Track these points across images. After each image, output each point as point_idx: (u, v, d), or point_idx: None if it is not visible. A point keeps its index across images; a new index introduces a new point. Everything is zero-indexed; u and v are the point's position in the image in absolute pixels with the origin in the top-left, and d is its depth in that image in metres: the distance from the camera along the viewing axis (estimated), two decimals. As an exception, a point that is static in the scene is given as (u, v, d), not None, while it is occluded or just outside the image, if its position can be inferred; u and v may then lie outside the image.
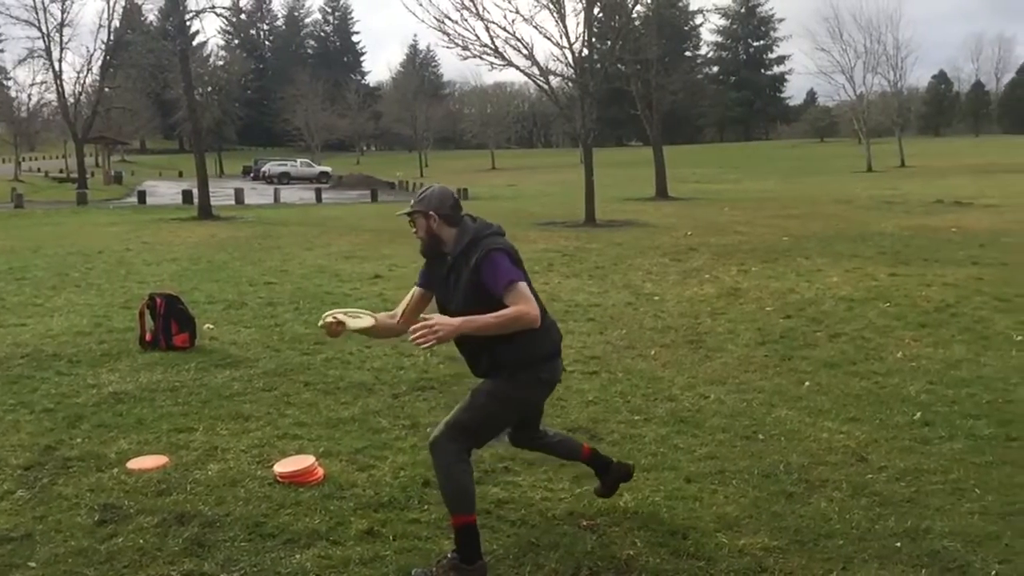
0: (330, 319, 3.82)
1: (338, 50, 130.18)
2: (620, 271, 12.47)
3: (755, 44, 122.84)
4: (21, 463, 4.82)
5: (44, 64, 47.55)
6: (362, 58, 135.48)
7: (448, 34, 21.68)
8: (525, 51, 21.92)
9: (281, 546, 3.79)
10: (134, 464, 4.76)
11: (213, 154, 76.58)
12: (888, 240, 15.50)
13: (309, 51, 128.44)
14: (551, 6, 22.26)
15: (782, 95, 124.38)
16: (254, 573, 3.58)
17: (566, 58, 22.66)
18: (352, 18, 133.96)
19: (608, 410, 5.80)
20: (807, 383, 6.42)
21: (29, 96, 61.89)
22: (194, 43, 60.64)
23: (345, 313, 3.93)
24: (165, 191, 44.94)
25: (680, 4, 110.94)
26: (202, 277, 12.15)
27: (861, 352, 7.36)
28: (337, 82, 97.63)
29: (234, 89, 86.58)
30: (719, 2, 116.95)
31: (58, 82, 47.00)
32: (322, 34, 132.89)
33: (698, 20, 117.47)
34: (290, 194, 41.71)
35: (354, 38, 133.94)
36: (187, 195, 32.15)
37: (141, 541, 3.83)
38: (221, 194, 34.82)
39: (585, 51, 22.79)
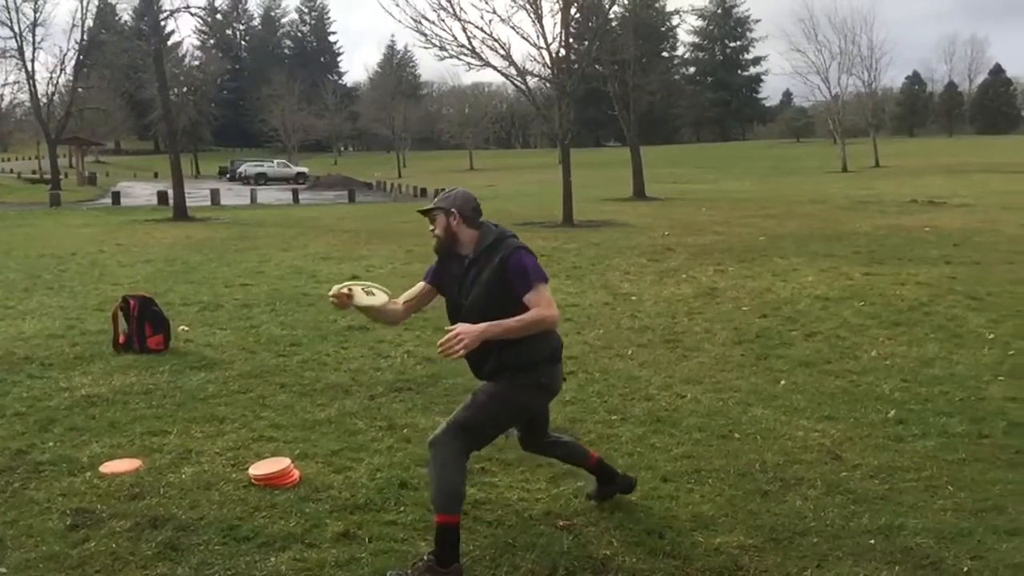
0: (344, 291, 3.82)
1: (315, 50, 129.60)
2: (598, 271, 12.49)
3: (731, 45, 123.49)
4: (-9, 468, 4.76)
5: (16, 64, 47.01)
6: (339, 58, 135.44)
7: (425, 34, 21.63)
8: (502, 51, 21.91)
9: (256, 549, 3.76)
10: (107, 468, 4.71)
11: (189, 155, 76.07)
12: (863, 240, 15.62)
13: (286, 51, 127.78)
14: (528, 7, 22.27)
15: (758, 96, 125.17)
16: (228, 577, 3.56)
17: (543, 58, 22.67)
18: (329, 18, 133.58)
19: (585, 410, 5.81)
20: (783, 382, 6.46)
21: (1, 97, 61.28)
22: (169, 43, 60.25)
23: (362, 287, 3.92)
24: (140, 192, 44.53)
25: (657, 5, 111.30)
26: (177, 279, 12.05)
27: (836, 351, 7.42)
28: (314, 82, 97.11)
29: (210, 89, 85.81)
30: (696, 3, 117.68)
31: (31, 82, 46.49)
32: (299, 34, 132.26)
33: (675, 21, 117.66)
34: (267, 195, 41.46)
35: (331, 38, 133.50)
36: (162, 196, 31.87)
37: (114, 545, 3.79)
38: (197, 195, 34.54)
39: (562, 51, 22.79)
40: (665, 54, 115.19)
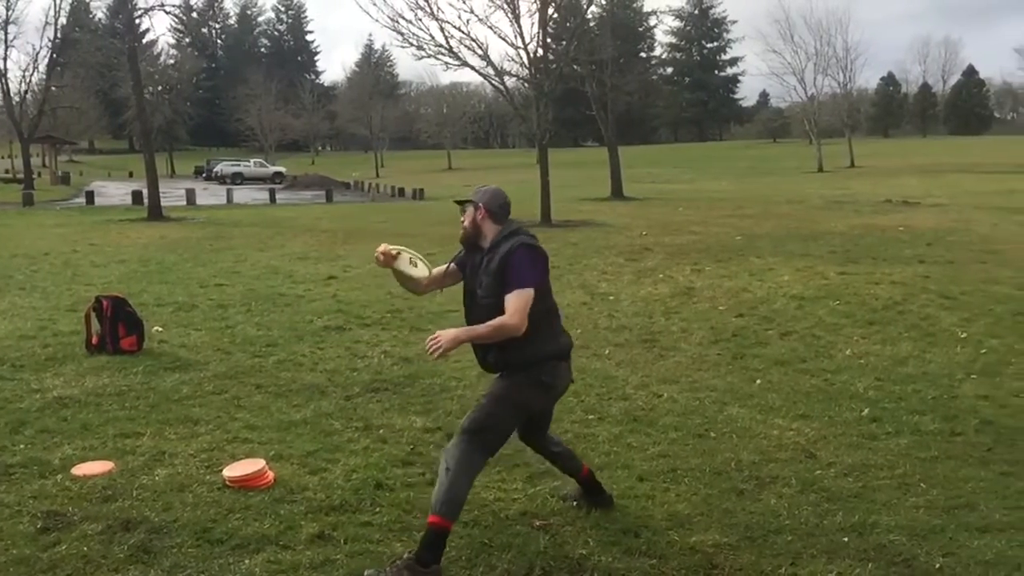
0: (392, 251, 4.00)
1: (292, 49, 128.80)
2: (575, 271, 12.50)
3: (708, 46, 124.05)
4: (-39, 471, 4.69)
5: (-12, 62, 46.39)
6: (316, 57, 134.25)
7: (402, 34, 21.58)
8: (480, 51, 21.90)
9: (229, 551, 3.73)
10: (79, 470, 4.66)
11: (164, 154, 75.41)
12: (838, 239, 15.74)
13: (262, 50, 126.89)
14: (505, 7, 22.26)
15: (735, 96, 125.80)
16: (202, 580, 3.53)
17: (521, 58, 22.67)
18: (306, 17, 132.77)
19: (562, 409, 5.78)
20: (758, 381, 6.50)
21: (-28, 95, 60.35)
22: (143, 41, 59.75)
23: (410, 256, 4.07)
24: (114, 192, 44.06)
25: (635, 5, 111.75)
26: (151, 279, 11.94)
27: (811, 350, 7.47)
28: (291, 82, 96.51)
29: (185, 88, 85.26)
30: (673, 3, 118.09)
31: (3, 81, 45.82)
32: (275, 33, 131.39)
33: (652, 21, 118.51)
34: (243, 195, 41.18)
35: (308, 37, 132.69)
36: (137, 196, 31.53)
37: (85, 549, 3.75)
38: (172, 195, 34.27)
39: (540, 51, 22.81)
40: (643, 54, 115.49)
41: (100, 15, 79.08)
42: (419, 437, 5.24)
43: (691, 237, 16.74)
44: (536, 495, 4.33)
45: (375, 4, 21.87)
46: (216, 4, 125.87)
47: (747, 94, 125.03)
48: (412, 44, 21.67)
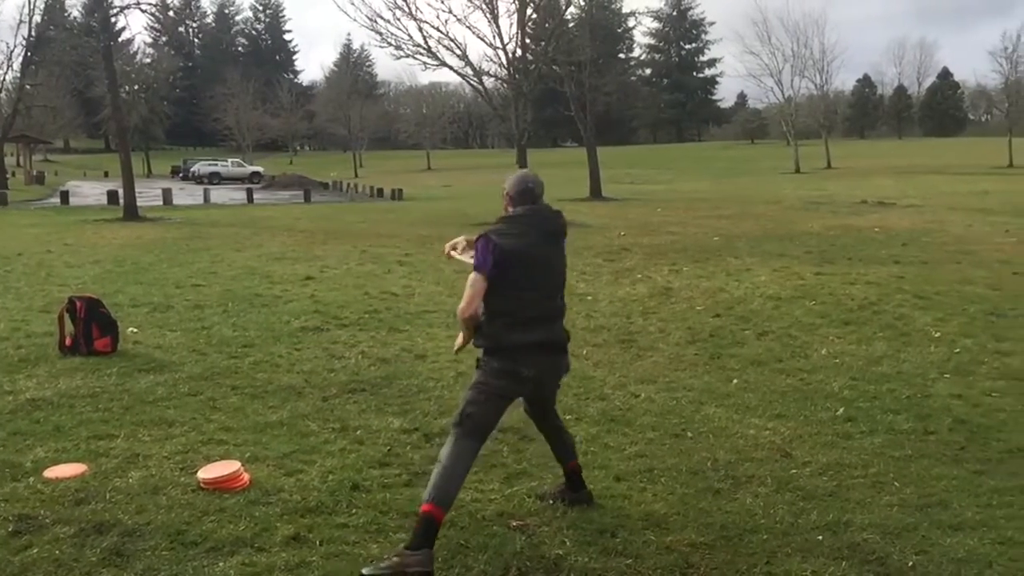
0: (458, 243, 4.31)
1: (270, 48, 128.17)
2: (553, 271, 12.49)
3: (687, 47, 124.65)
4: (-70, 474, 4.62)
5: (-39, 61, 45.79)
6: (294, 57, 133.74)
7: (381, 33, 21.58)
8: (458, 51, 21.91)
9: (204, 554, 3.70)
10: (51, 473, 4.60)
11: (140, 154, 74.79)
12: (815, 240, 15.85)
13: (240, 49, 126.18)
14: (484, 7, 22.28)
15: (713, 97, 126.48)
16: (175, 583, 3.50)
17: (500, 59, 22.71)
18: (284, 16, 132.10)
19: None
20: (735, 381, 6.53)
21: (-54, 93, 59.58)
22: (119, 40, 59.22)
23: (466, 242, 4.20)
24: (89, 191, 43.65)
25: (613, 6, 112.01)
26: (127, 280, 11.83)
27: (787, 350, 7.52)
28: (269, 81, 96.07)
29: (162, 87, 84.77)
30: (651, 5, 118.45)
31: (-24, 79, 45.35)
32: (253, 32, 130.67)
33: (631, 22, 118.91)
34: (220, 194, 40.94)
35: (286, 36, 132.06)
36: (112, 195, 31.26)
37: (57, 552, 3.70)
38: (148, 194, 34.00)
39: (519, 52, 22.85)
40: (621, 55, 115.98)
41: (75, 13, 78.13)
42: (396, 438, 5.23)
43: (669, 238, 16.81)
44: (513, 495, 4.33)
45: (353, 3, 21.80)
46: (193, 3, 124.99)
47: (725, 95, 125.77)
48: (390, 44, 21.70)
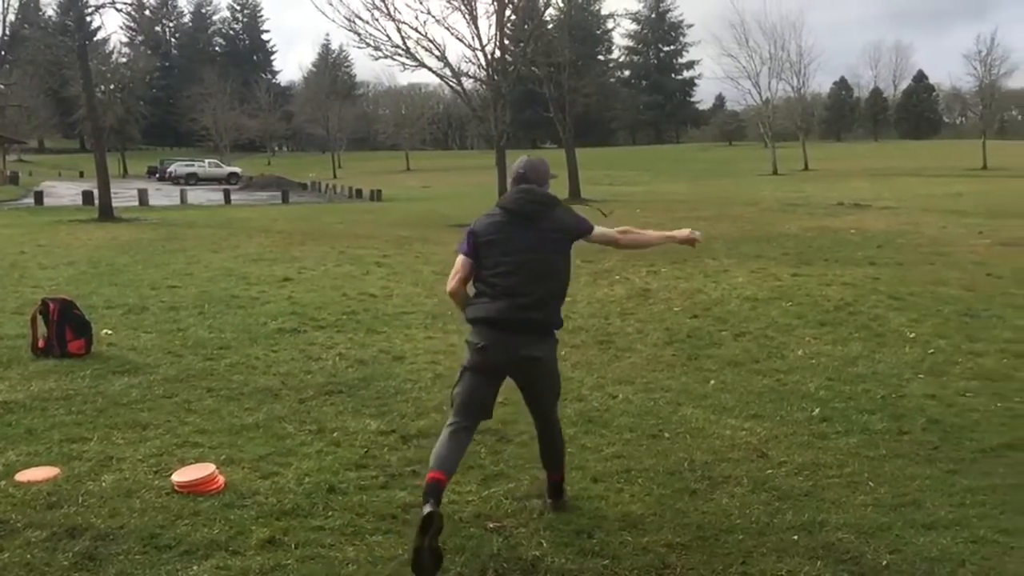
0: None
1: (247, 48, 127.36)
2: (532, 272, 12.49)
3: (665, 49, 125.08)
4: (-102, 478, 4.55)
5: (-67, 59, 45.15)
6: (272, 57, 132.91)
7: (359, 34, 21.52)
8: (437, 52, 21.88)
9: (177, 558, 3.67)
10: (23, 476, 4.54)
11: (116, 154, 74.12)
12: (791, 241, 15.95)
13: (217, 49, 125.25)
14: (463, 8, 22.26)
15: (692, 99, 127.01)
16: (148, 587, 3.47)
17: (478, 60, 22.71)
18: (262, 16, 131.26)
19: (518, 411, 5.75)
20: (712, 381, 6.56)
21: (-83, 92, 58.77)
22: (95, 39, 58.67)
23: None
24: (64, 192, 43.19)
25: (592, 8, 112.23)
26: (101, 281, 11.71)
27: (764, 350, 7.55)
28: (247, 81, 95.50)
29: (138, 87, 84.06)
30: (630, 7, 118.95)
31: (-52, 78, 44.80)
32: (231, 32, 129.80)
33: (610, 24, 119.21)
34: (197, 195, 40.66)
35: (264, 36, 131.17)
36: (87, 196, 30.96)
37: (28, 556, 3.66)
38: (124, 195, 33.71)
39: (497, 53, 22.84)
40: (600, 57, 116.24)
41: (51, 12, 77.29)
42: (373, 440, 5.20)
43: (647, 239, 16.83)
44: (490, 497, 4.32)
45: (331, 4, 21.73)
46: (170, 2, 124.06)
47: (703, 97, 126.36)
48: (369, 44, 21.65)
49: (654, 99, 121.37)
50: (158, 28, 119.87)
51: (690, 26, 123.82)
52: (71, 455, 4.92)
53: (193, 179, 58.01)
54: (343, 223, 22.97)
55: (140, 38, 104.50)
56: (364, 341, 8.01)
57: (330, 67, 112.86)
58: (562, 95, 32.74)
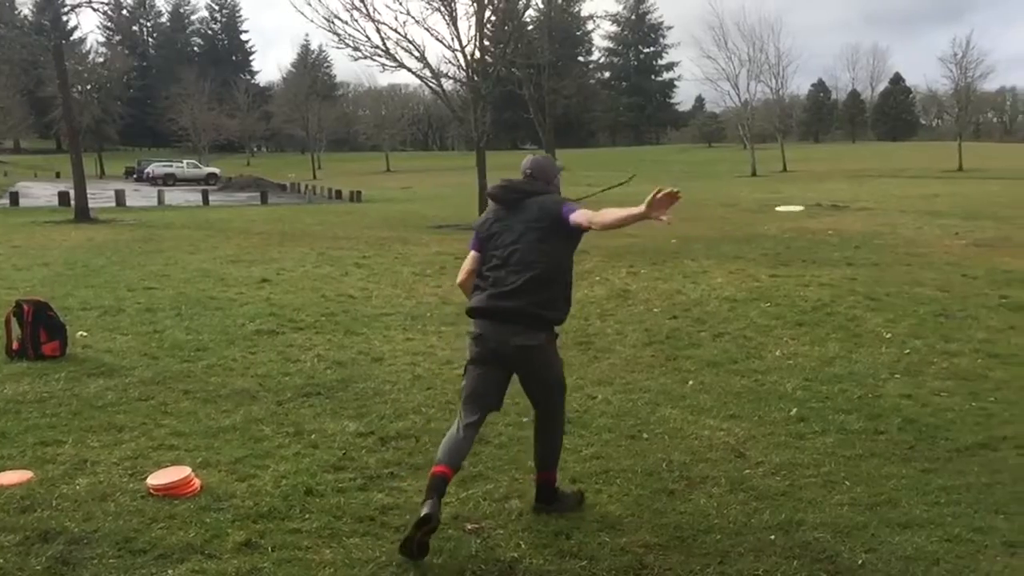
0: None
1: (226, 48, 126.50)
2: (512, 273, 12.49)
3: (645, 51, 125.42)
4: None
5: (-95, 58, 44.62)
6: (251, 57, 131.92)
7: (338, 34, 21.38)
8: (417, 53, 21.81)
9: (152, 561, 3.63)
10: (-5, 480, 4.50)
11: (93, 154, 73.59)
12: (770, 242, 16.03)
13: (195, 49, 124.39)
14: (442, 9, 22.21)
15: (671, 101, 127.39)
16: (123, 591, 3.43)
17: (458, 61, 22.63)
18: (240, 16, 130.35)
19: (496, 413, 5.78)
20: (691, 382, 6.58)
21: None
22: (71, 38, 58.18)
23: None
24: (40, 193, 42.76)
25: (572, 10, 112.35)
26: (77, 282, 11.61)
27: (742, 351, 7.59)
28: (225, 81, 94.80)
29: (116, 87, 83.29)
30: (610, 8, 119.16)
31: (-78, 77, 44.26)
32: (209, 32, 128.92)
33: (590, 26, 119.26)
34: (175, 196, 40.33)
35: (243, 36, 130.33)
36: (64, 197, 30.67)
37: (1, 561, 3.61)
38: (101, 196, 33.44)
39: (477, 54, 22.81)
40: (580, 58, 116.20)
41: (26, 11, 76.60)
42: (351, 442, 5.18)
43: (627, 240, 16.86)
44: (468, 499, 4.32)
45: (310, 4, 21.61)
46: (147, 1, 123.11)
47: (683, 99, 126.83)
48: (348, 45, 21.50)
49: (634, 101, 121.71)
50: (135, 28, 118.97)
51: (670, 28, 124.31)
52: (45, 458, 4.87)
53: (171, 180, 57.54)
54: (322, 224, 22.87)
55: (117, 38, 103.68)
56: (343, 342, 7.98)
57: (310, 67, 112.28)
58: (542, 96, 32.72)
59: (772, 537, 3.89)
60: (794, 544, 3.82)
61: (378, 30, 21.35)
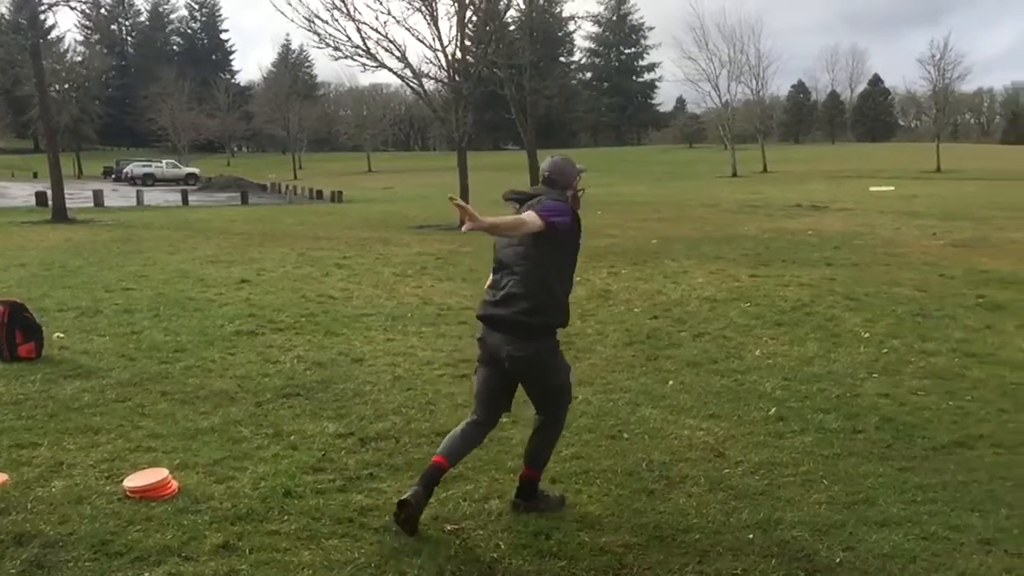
0: None
1: (206, 48, 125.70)
2: (493, 274, 12.48)
3: (627, 51, 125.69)
4: None
5: None
6: (232, 57, 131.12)
7: (319, 34, 21.33)
8: (398, 53, 21.78)
9: (129, 564, 3.60)
10: (-31, 484, 4.44)
11: (71, 154, 72.90)
12: (750, 242, 16.10)
13: (175, 48, 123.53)
14: (423, 9, 22.18)
15: (653, 102, 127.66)
16: (98, 595, 3.40)
17: (439, 61, 22.63)
18: (220, 15, 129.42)
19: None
20: (671, 382, 6.60)
21: None
22: (49, 37, 57.63)
23: None
24: (17, 193, 42.35)
25: (553, 10, 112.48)
26: (53, 283, 11.49)
27: (722, 351, 7.62)
28: (205, 81, 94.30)
29: (94, 86, 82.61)
30: (591, 9, 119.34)
31: None
32: (189, 31, 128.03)
33: (571, 27, 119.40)
34: (155, 196, 40.06)
35: (223, 36, 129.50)
36: (41, 197, 30.38)
37: (-26, 566, 3.58)
38: (79, 196, 33.14)
39: (459, 54, 22.79)
40: (562, 59, 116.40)
41: (2, 9, 75.97)
42: (331, 443, 5.16)
43: (608, 240, 16.91)
44: (448, 499, 4.30)
45: (290, 3, 21.46)
46: (126, 0, 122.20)
47: (664, 100, 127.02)
48: (329, 45, 21.45)
49: (615, 101, 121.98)
50: (114, 26, 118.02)
51: (651, 28, 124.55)
52: (20, 461, 4.82)
53: (150, 180, 57.15)
54: (303, 224, 22.78)
55: (96, 37, 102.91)
56: (323, 343, 7.94)
57: (290, 67, 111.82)
58: (523, 97, 32.70)
59: (751, 536, 3.90)
60: (772, 543, 3.83)
61: (359, 30, 21.36)
